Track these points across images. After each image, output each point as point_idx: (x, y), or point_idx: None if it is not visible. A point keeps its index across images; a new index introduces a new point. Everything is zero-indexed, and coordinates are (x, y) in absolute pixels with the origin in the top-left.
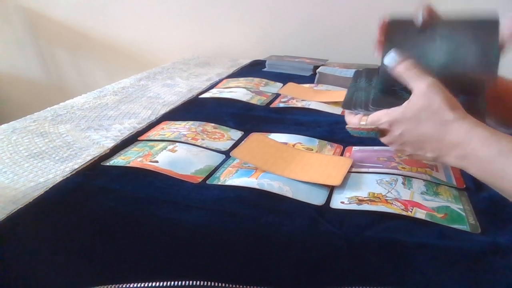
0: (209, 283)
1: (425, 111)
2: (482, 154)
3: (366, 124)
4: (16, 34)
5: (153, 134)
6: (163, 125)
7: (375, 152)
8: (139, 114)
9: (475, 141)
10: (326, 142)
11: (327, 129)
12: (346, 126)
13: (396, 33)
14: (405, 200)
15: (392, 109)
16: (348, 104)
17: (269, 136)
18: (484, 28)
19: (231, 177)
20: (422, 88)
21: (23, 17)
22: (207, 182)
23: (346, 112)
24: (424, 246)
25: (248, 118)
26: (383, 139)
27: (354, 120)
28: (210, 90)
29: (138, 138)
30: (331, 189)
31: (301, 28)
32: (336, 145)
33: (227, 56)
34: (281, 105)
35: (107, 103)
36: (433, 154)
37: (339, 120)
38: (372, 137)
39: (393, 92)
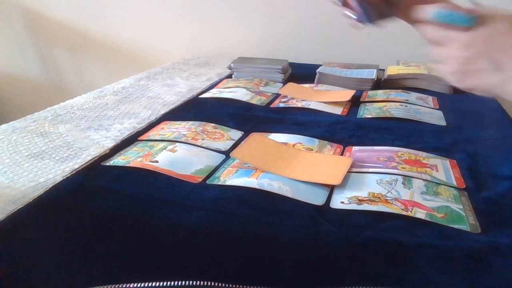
0: (209, 283)
1: None
2: None
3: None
4: (16, 34)
5: (153, 134)
6: (163, 125)
7: (375, 152)
8: (139, 114)
9: None
10: (326, 142)
11: (327, 129)
12: (432, 9)
13: None
14: (405, 200)
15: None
16: None
17: (269, 136)
18: None
19: (231, 177)
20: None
21: (23, 17)
22: (207, 182)
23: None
24: (424, 246)
25: (248, 118)
26: (468, 30)
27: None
28: (210, 90)
29: (138, 138)
30: (331, 189)
31: (301, 28)
32: (336, 145)
33: (227, 56)
34: (281, 105)
35: (107, 103)
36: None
37: (339, 120)
38: (458, 24)
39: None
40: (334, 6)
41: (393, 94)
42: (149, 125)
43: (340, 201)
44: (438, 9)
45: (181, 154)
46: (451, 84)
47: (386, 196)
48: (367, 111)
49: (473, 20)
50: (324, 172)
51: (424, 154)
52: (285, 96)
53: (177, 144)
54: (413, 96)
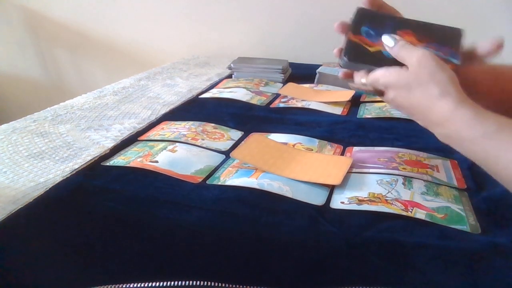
0: (209, 283)
1: (414, 82)
2: (465, 135)
3: (366, 83)
4: (16, 34)
5: (153, 134)
6: (163, 125)
7: (375, 153)
8: (139, 114)
9: (458, 121)
10: (326, 142)
11: (327, 129)
12: (350, 84)
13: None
14: (405, 200)
15: (390, 71)
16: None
17: (269, 136)
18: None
19: (231, 177)
20: (413, 60)
21: (23, 17)
22: (207, 182)
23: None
24: (424, 246)
25: (248, 118)
26: (381, 98)
27: (357, 79)
28: (210, 90)
29: (138, 138)
30: (331, 189)
31: (301, 28)
32: (336, 145)
33: (227, 56)
34: (281, 105)
35: (107, 103)
36: (423, 124)
37: (339, 120)
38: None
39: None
40: (334, 6)
41: None
42: (149, 125)
43: (340, 201)
44: (352, 87)
45: (181, 154)
46: None
47: (386, 197)
48: (367, 111)
49: (373, 94)
50: (324, 172)
51: (425, 154)
52: (285, 96)
53: (177, 144)
54: None
